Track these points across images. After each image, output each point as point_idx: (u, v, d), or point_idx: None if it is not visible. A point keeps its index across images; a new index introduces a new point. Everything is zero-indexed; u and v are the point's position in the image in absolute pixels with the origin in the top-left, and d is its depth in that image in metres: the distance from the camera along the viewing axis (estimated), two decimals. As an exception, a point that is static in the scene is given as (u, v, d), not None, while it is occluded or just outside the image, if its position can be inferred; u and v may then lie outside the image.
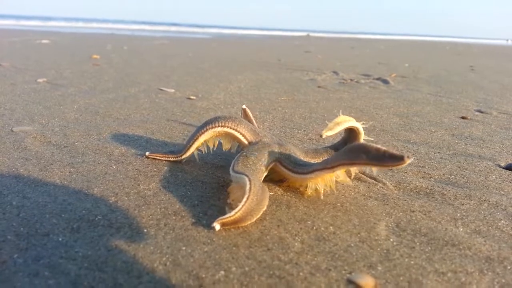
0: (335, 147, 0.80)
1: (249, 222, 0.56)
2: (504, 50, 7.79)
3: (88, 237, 0.52)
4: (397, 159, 0.53)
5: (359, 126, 0.75)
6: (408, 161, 0.52)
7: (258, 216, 0.57)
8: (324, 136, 0.70)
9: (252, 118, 0.91)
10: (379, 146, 0.56)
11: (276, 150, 0.70)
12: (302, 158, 0.73)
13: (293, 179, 0.68)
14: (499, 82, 2.45)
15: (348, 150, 0.60)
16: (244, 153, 0.69)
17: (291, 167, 0.67)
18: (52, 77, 1.90)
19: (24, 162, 0.78)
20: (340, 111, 0.75)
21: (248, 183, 0.58)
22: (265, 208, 0.58)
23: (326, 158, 0.76)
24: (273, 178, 0.72)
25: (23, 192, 0.65)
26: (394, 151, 0.54)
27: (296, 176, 0.67)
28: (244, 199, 0.56)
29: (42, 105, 1.30)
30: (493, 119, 1.39)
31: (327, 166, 0.62)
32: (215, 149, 0.80)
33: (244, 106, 0.91)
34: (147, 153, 0.83)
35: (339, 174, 0.64)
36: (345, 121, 0.73)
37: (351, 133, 0.78)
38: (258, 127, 1.14)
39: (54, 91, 1.56)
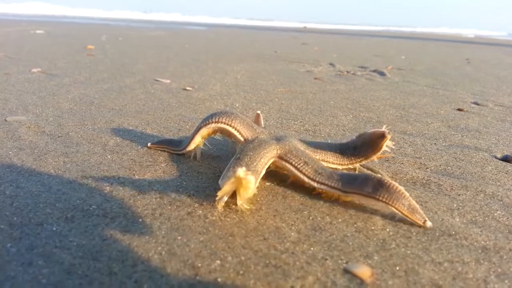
0: (340, 148, 0.73)
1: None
2: (500, 43, 7.80)
3: (82, 226, 0.52)
4: (419, 218, 0.57)
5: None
6: (427, 226, 0.56)
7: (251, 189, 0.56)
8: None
9: (262, 123, 0.87)
10: (402, 190, 0.58)
11: (273, 147, 0.66)
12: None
13: (295, 175, 0.65)
14: (495, 74, 2.45)
15: (366, 181, 0.60)
16: (238, 156, 0.65)
17: (295, 163, 0.64)
18: (47, 67, 1.88)
19: (18, 152, 0.77)
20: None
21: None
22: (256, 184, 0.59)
23: (326, 156, 0.71)
24: (276, 172, 0.70)
25: (16, 181, 0.64)
26: (418, 209, 0.57)
27: (300, 175, 0.64)
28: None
29: (36, 95, 1.29)
30: (489, 111, 1.39)
31: (338, 187, 0.61)
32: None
33: (258, 112, 0.88)
34: (149, 144, 0.83)
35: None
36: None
37: (370, 139, 0.71)
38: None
39: (48, 81, 1.54)
